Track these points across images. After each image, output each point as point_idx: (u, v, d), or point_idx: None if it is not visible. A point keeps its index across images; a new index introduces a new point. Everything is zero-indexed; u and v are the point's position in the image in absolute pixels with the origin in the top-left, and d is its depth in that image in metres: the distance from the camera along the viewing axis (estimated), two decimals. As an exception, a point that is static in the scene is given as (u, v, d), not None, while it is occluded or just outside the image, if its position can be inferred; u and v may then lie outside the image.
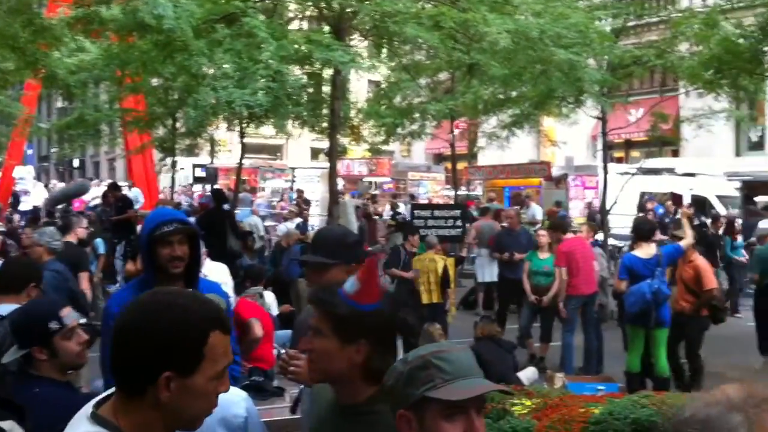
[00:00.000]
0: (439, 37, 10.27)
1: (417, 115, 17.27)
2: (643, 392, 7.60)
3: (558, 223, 11.34)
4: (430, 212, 13.55)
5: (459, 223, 13.21)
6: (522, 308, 11.64)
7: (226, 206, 13.34)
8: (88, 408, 1.89)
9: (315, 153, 37.52)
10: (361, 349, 2.38)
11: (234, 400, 2.92)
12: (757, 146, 28.99)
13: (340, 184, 27.22)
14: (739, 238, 15.58)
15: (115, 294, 4.18)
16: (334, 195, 11.83)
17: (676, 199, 20.38)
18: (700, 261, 9.61)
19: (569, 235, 11.17)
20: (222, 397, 2.68)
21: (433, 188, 28.20)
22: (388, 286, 11.59)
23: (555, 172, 22.82)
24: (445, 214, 13.32)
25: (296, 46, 10.27)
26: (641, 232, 9.64)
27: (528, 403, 6.89)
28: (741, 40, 11.94)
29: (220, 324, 1.85)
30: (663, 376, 9.19)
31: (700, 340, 9.77)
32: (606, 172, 15.48)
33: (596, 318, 10.89)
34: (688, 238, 9.48)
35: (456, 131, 21.43)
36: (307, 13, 12.77)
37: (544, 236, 11.30)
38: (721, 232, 16.17)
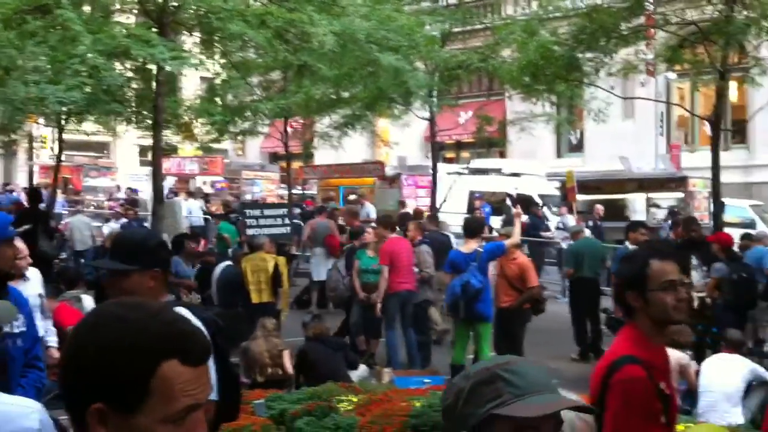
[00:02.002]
0: (266, 36, 10.19)
1: (249, 113, 17.08)
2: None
3: (385, 221, 11.51)
4: (260, 211, 13.44)
5: (287, 221, 13.19)
6: (352, 306, 11.74)
7: (42, 206, 12.62)
8: None
9: (144, 151, 36.29)
10: None
11: (24, 412, 2.72)
12: (576, 148, 30.78)
13: (171, 182, 26.50)
14: None
15: None
16: (158, 194, 11.46)
17: (514, 201, 21.21)
18: (524, 259, 10.09)
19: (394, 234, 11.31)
20: (10, 408, 2.50)
21: (267, 187, 27.99)
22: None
23: (389, 171, 23.24)
24: (273, 213, 13.26)
25: (116, 40, 9.85)
26: (469, 228, 10.00)
27: (354, 399, 7.00)
28: (556, 48, 12.61)
29: (181, 353, 1.46)
30: (487, 370, 9.49)
31: (523, 333, 10.24)
32: (435, 172, 15.95)
33: (419, 313, 11.13)
34: (515, 237, 9.90)
35: (290, 130, 21.41)
36: (134, 6, 12.32)
37: (369, 234, 11.45)
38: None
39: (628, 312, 3.15)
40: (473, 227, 9.97)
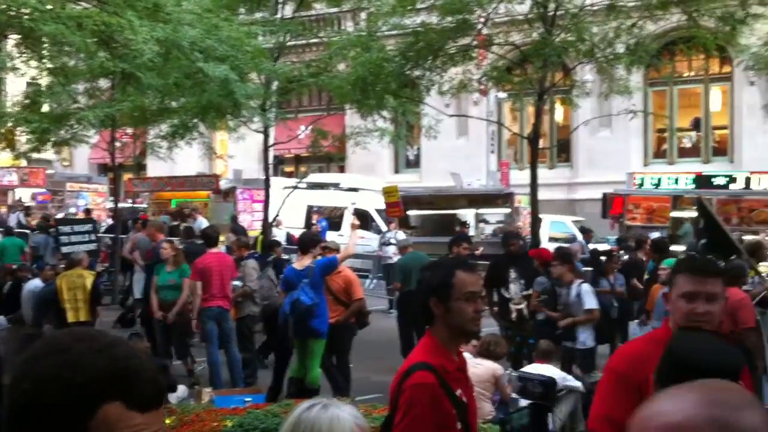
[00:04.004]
0: (83, 39, 9.69)
1: (73, 122, 16.24)
2: (285, 401, 7.78)
3: (206, 236, 11.22)
4: (70, 227, 12.88)
5: (93, 237, 12.68)
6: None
7: None
8: None
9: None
10: None
11: None
12: (414, 164, 31.45)
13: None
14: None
15: None
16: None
17: (358, 216, 21.22)
18: (349, 272, 10.08)
19: (219, 249, 10.98)
20: None
21: (94, 200, 26.75)
22: None
23: (223, 185, 22.82)
24: (81, 228, 12.73)
25: None
26: (302, 244, 9.88)
27: (168, 421, 6.73)
28: (386, 64, 12.77)
29: (126, 395, 1.26)
30: (313, 387, 9.36)
31: (350, 347, 10.21)
32: (268, 186, 15.75)
33: (242, 329, 10.88)
34: (347, 250, 9.85)
35: (121, 141, 20.60)
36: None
37: (165, 249, 10.98)
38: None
39: (429, 319, 3.21)
40: (306, 243, 9.84)
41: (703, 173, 21.91)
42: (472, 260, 11.07)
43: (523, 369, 8.38)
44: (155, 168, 26.69)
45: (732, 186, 20.27)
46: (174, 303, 10.44)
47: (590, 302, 9.33)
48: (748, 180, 20.55)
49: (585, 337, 9.35)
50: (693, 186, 20.59)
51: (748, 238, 13.61)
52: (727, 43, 14.64)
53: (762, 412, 1.20)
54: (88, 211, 22.20)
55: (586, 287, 9.44)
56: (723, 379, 1.42)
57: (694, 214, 16.96)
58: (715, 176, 21.11)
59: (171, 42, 10.20)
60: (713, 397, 1.22)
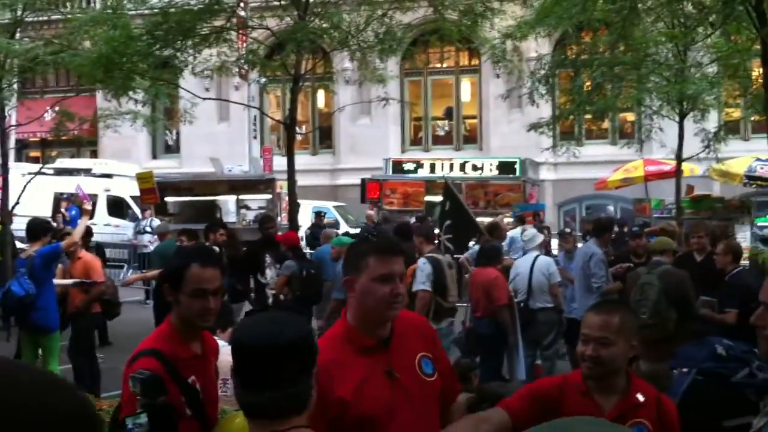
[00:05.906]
0: None
1: None
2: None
3: None
4: None
5: None
6: None
7: None
8: None
9: None
10: None
11: None
12: (174, 150, 30.50)
13: None
14: None
15: None
16: None
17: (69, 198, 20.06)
18: (88, 257, 9.66)
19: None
20: None
21: None
22: None
23: (-44, 171, 20.73)
24: None
25: None
26: (30, 232, 9.22)
27: None
28: (131, 42, 12.17)
29: None
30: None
31: (91, 338, 9.76)
32: (6, 171, 14.54)
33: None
34: (73, 236, 9.30)
35: None
36: None
37: None
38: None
39: (169, 305, 3.18)
40: (35, 230, 9.17)
41: (454, 159, 23.22)
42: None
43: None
44: None
45: (420, 172, 21.94)
46: None
47: None
48: (463, 166, 22.00)
49: None
50: (390, 173, 22.23)
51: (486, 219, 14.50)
52: (470, 35, 15.46)
53: None
54: None
55: None
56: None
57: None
58: (406, 163, 22.97)
59: None
60: None
